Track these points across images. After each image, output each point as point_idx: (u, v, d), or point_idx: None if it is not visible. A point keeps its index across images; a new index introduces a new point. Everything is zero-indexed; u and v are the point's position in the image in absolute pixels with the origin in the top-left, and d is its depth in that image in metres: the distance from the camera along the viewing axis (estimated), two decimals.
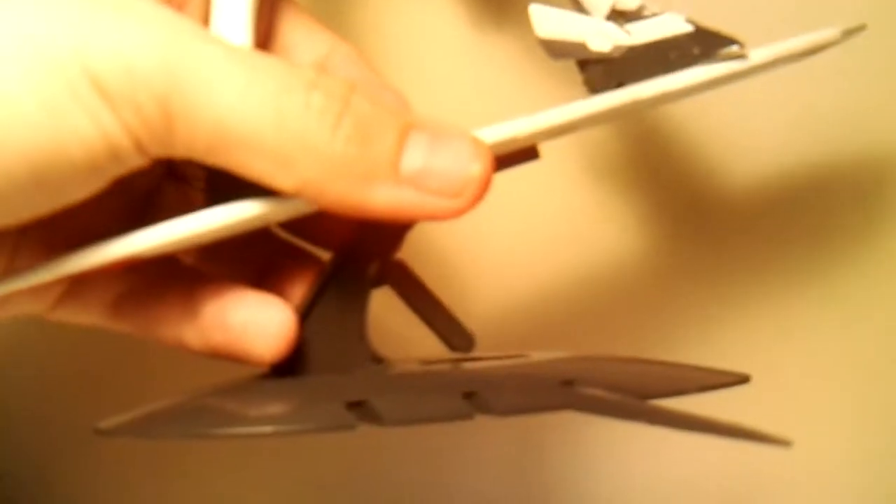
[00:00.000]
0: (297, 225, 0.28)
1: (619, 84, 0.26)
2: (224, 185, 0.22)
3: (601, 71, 0.26)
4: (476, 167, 0.22)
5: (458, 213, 0.22)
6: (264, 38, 0.27)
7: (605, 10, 0.26)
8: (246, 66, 0.21)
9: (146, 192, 0.27)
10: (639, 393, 0.25)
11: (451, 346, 0.27)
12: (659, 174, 0.38)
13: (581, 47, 0.26)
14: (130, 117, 0.20)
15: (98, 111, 0.20)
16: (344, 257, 0.25)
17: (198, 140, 0.20)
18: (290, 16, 0.28)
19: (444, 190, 0.22)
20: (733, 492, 0.40)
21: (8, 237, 0.24)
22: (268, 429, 0.22)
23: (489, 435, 0.39)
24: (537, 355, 0.27)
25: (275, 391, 0.24)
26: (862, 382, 0.39)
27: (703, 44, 0.26)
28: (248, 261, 0.28)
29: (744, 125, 0.37)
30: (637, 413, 0.24)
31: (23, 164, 0.20)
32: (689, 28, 0.26)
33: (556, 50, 0.26)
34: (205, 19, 0.25)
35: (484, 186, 0.22)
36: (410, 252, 0.27)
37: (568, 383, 0.25)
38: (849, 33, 0.28)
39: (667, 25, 0.26)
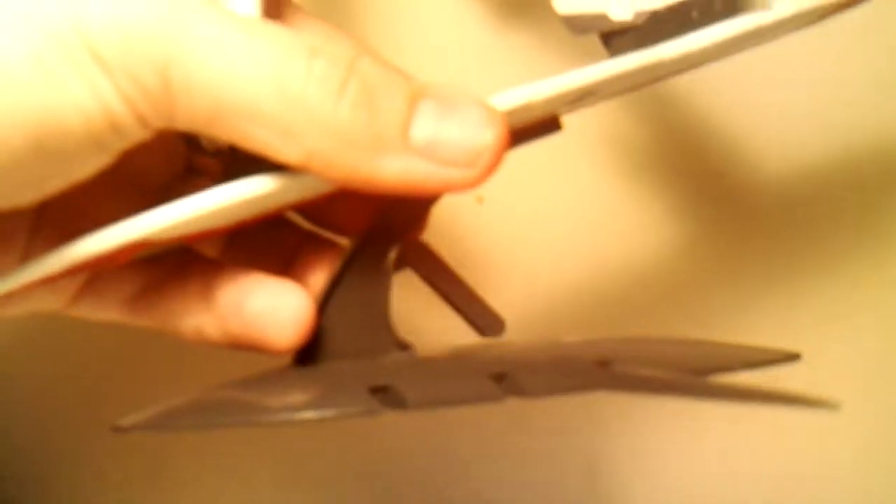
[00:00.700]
0: (318, 214, 0.27)
1: None
2: (242, 172, 0.22)
3: (626, 40, 0.25)
4: (489, 134, 0.21)
5: (471, 184, 0.21)
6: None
7: None
8: (245, 33, 0.20)
9: (164, 188, 0.27)
10: (680, 371, 0.24)
11: (481, 331, 0.26)
12: (694, 160, 0.37)
13: (602, 19, 0.25)
14: (129, 87, 0.20)
15: (96, 81, 0.19)
16: (364, 241, 0.25)
17: (198, 110, 0.20)
18: (296, 15, 0.27)
19: (457, 159, 0.21)
20: None
21: (20, 232, 0.24)
22: (288, 416, 0.22)
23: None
24: (570, 339, 0.26)
25: (296, 380, 0.24)
26: None
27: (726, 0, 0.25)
28: (271, 252, 0.27)
29: (781, 112, 0.36)
30: (678, 387, 0.23)
31: (21, 134, 0.19)
32: None
33: (577, 25, 0.26)
34: None
35: (498, 155, 0.21)
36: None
37: (604, 363, 0.23)
38: None
39: None
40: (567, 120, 0.26)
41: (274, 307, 0.24)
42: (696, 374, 0.24)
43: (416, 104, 0.21)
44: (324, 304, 0.24)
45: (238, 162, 0.23)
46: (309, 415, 0.21)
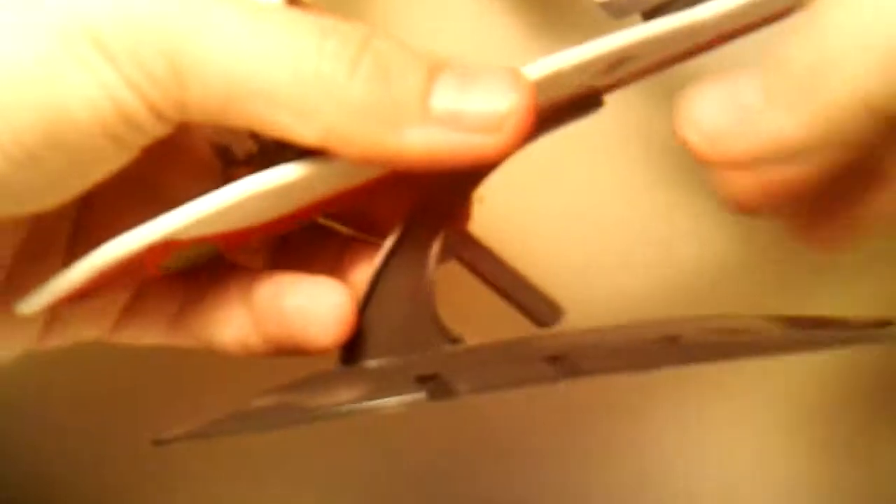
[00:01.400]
0: (358, 218, 0.26)
1: None
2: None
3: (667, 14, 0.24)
4: (514, 96, 0.20)
5: (501, 152, 0.20)
6: None
7: None
8: (254, 16, 0.20)
9: None
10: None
11: (537, 320, 0.24)
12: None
13: None
14: (137, 76, 0.19)
15: (101, 71, 0.19)
16: (405, 231, 0.23)
17: (210, 96, 0.20)
18: (309, 9, 0.27)
19: (481, 125, 0.20)
20: None
21: (56, 245, 0.24)
22: (335, 410, 0.20)
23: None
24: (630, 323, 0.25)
25: (341, 379, 0.22)
26: None
27: None
28: (314, 261, 0.26)
29: None
30: (763, 347, 0.21)
31: (33, 129, 0.19)
32: None
33: (617, 8, 0.25)
34: None
35: (525, 118, 0.20)
36: None
37: (672, 339, 0.22)
38: None
39: None
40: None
41: (312, 303, 0.23)
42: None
43: (435, 76, 0.20)
44: (367, 298, 0.23)
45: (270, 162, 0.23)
46: (356, 407, 0.20)
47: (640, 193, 0.35)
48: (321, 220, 0.27)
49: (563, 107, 0.24)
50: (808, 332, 0.22)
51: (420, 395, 0.20)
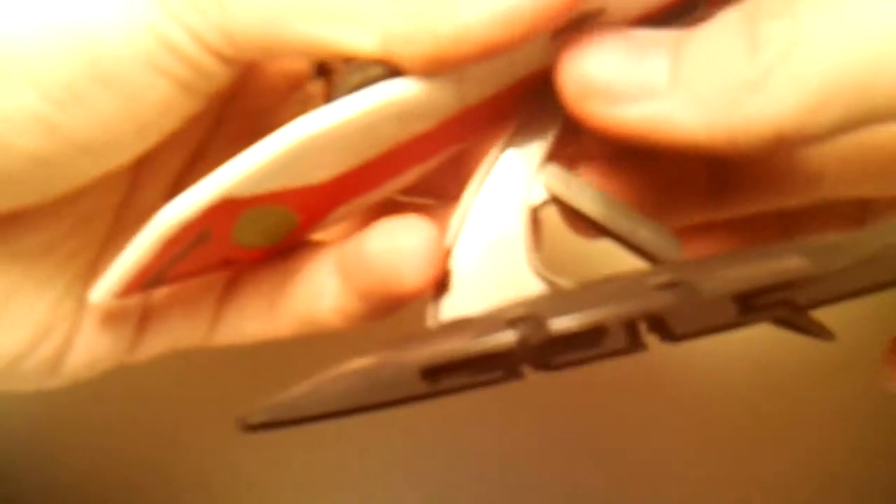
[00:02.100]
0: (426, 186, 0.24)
1: None
2: None
3: None
4: None
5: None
6: None
7: None
8: None
9: None
10: None
11: (652, 256, 0.21)
12: None
13: None
14: None
15: None
16: (496, 162, 0.22)
17: (254, 16, 0.18)
18: None
19: None
20: None
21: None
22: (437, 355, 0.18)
23: None
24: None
25: (435, 332, 0.20)
26: None
27: None
28: None
29: None
30: None
31: (67, 61, 0.18)
32: None
33: None
34: None
35: None
36: None
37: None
38: None
39: None
40: None
41: (396, 242, 0.21)
42: None
43: None
44: (456, 238, 0.21)
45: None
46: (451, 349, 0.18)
47: None
48: (400, 198, 0.25)
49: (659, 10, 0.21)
50: None
51: (510, 338, 0.17)
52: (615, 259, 0.22)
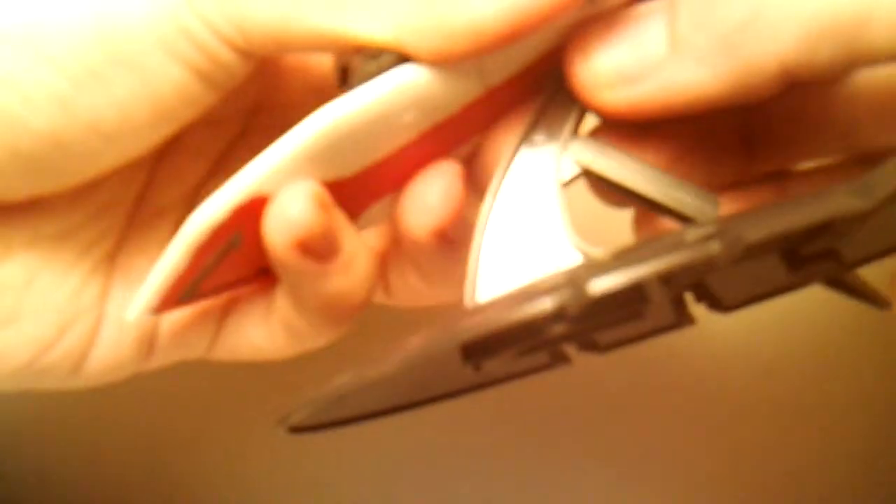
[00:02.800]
0: None
1: None
2: None
3: None
4: None
5: None
6: None
7: None
8: None
9: None
10: None
11: (688, 218, 0.21)
12: None
13: None
14: None
15: None
16: (527, 132, 0.21)
17: (267, 7, 0.19)
18: None
19: None
20: None
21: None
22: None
23: None
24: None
25: (480, 309, 0.20)
26: None
27: None
28: None
29: None
30: None
31: (85, 38, 0.19)
32: None
33: None
34: None
35: None
36: None
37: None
38: None
39: None
40: None
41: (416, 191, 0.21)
42: None
43: None
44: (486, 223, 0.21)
45: None
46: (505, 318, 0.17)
47: None
48: None
49: None
50: None
51: (547, 306, 0.17)
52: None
